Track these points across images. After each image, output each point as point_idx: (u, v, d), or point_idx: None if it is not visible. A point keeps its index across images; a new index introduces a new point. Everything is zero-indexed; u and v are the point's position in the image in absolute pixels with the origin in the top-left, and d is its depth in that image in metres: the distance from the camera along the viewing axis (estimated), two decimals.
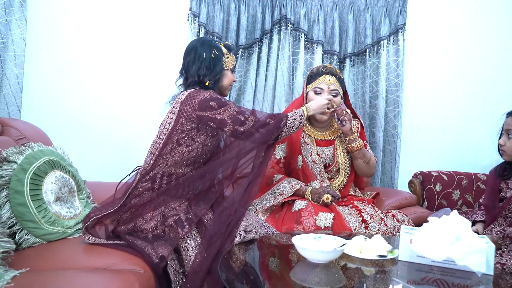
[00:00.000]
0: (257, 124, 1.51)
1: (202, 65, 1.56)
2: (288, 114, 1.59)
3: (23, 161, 1.48)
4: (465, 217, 1.82)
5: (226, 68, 1.62)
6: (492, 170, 1.88)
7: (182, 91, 1.58)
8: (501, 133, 1.80)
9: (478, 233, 1.65)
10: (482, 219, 1.77)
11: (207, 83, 1.57)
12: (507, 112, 1.79)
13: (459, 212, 1.51)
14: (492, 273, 1.15)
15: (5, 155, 1.49)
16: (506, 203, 1.66)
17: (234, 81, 1.69)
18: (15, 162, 1.47)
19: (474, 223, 1.78)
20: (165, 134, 1.52)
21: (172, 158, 1.53)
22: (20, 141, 1.69)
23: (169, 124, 1.52)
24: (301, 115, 1.61)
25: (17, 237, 1.37)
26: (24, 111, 2.34)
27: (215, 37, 2.49)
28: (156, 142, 1.55)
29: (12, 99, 2.27)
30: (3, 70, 2.24)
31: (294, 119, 1.58)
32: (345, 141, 1.97)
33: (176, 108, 1.52)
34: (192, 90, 1.53)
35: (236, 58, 1.71)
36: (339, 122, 1.88)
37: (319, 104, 1.72)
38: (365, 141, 2.03)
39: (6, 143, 1.59)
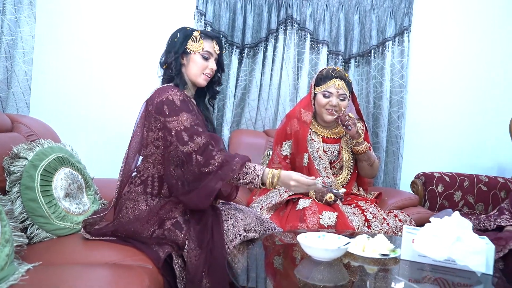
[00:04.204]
0: (199, 152, 1.36)
1: (166, 50, 1.56)
2: (246, 162, 1.39)
3: (34, 158, 1.51)
4: (485, 219, 1.82)
5: (192, 52, 1.53)
6: None
7: (157, 87, 1.53)
8: None
9: None
10: (510, 223, 1.73)
11: (165, 66, 1.54)
12: None
13: (460, 213, 1.53)
14: (491, 272, 1.17)
15: (16, 151, 1.51)
16: None
17: (212, 70, 1.57)
18: (26, 159, 1.50)
19: (500, 228, 1.75)
20: (138, 135, 1.48)
21: (155, 159, 1.50)
22: (29, 137, 1.71)
23: (139, 125, 1.49)
24: (257, 176, 1.39)
25: (28, 232, 1.40)
26: (33, 107, 2.38)
27: (221, 35, 2.52)
28: (132, 142, 1.49)
29: (20, 95, 2.30)
30: (12, 67, 2.28)
31: (246, 173, 1.39)
32: (352, 143, 2.01)
33: (144, 106, 1.49)
34: (158, 88, 1.49)
35: (220, 47, 1.60)
36: (344, 127, 1.91)
37: (289, 186, 1.45)
38: (369, 143, 2.07)
39: (16, 139, 1.62)
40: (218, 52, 1.60)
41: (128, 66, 2.55)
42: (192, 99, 1.61)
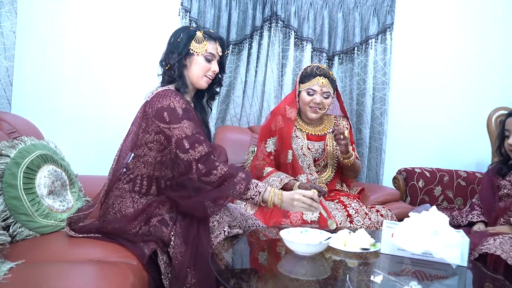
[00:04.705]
0: (201, 161, 1.34)
1: (168, 50, 1.52)
2: (250, 182, 1.38)
3: (16, 155, 1.50)
4: (458, 215, 1.87)
5: (195, 54, 1.50)
6: (488, 170, 1.91)
7: (156, 88, 1.52)
8: (503, 135, 1.79)
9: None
10: (480, 219, 1.78)
11: (167, 67, 1.50)
12: (508, 112, 1.79)
13: (439, 208, 1.57)
14: (466, 265, 1.22)
15: None
16: None
17: (214, 72, 1.55)
18: (8, 156, 1.49)
19: (471, 224, 1.80)
20: (133, 135, 1.47)
21: (147, 160, 1.49)
22: (11, 134, 1.69)
23: (135, 125, 1.48)
24: (259, 193, 1.39)
25: (11, 230, 1.39)
26: (15, 104, 2.34)
27: None
28: (126, 141, 1.50)
29: (2, 92, 2.27)
30: None
31: (248, 188, 1.37)
32: (340, 156, 2.00)
33: (142, 107, 1.48)
34: (160, 90, 1.46)
35: (222, 48, 1.57)
36: (336, 141, 1.90)
37: (290, 208, 1.44)
38: (353, 145, 2.12)
39: None
40: (220, 54, 1.57)
41: (112, 63, 2.53)
42: (191, 104, 1.60)
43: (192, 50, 1.50)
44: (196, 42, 1.50)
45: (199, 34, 1.51)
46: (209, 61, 1.53)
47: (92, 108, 2.51)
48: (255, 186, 1.39)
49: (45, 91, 2.45)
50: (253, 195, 1.39)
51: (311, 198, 1.41)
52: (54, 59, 2.45)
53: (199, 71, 1.52)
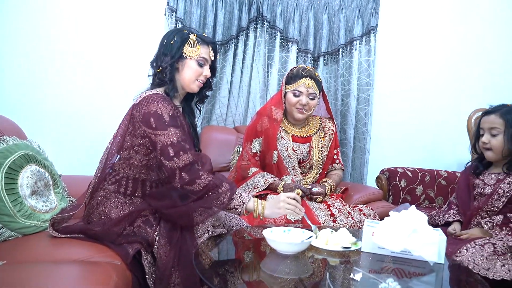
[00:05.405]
0: (185, 170, 1.34)
1: (160, 52, 1.50)
2: (234, 193, 1.39)
3: None
4: (436, 214, 1.90)
5: (188, 57, 1.49)
6: (465, 169, 1.92)
7: (145, 90, 1.51)
8: (478, 133, 1.79)
9: (456, 233, 1.71)
10: (456, 219, 1.80)
11: (159, 69, 1.48)
12: (483, 111, 1.78)
13: (421, 207, 1.59)
14: (443, 262, 1.26)
15: None
16: (487, 198, 1.70)
17: (206, 76, 1.54)
18: None
19: (447, 223, 1.82)
20: (120, 137, 1.47)
21: (133, 163, 1.49)
22: None
23: (122, 128, 1.47)
24: (243, 203, 1.40)
25: None
26: None
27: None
28: (113, 143, 1.48)
29: None
30: None
31: (232, 198, 1.38)
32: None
33: (130, 110, 1.47)
34: (148, 94, 1.43)
35: (215, 53, 1.56)
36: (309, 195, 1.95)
37: (275, 214, 1.47)
38: (338, 148, 2.17)
39: None
40: (213, 58, 1.57)
41: (97, 62, 2.51)
42: (180, 108, 1.59)
43: (185, 53, 1.49)
44: (189, 46, 1.49)
45: (192, 37, 1.50)
46: (201, 65, 1.52)
47: (76, 107, 2.49)
48: (239, 197, 1.40)
49: (28, 90, 2.42)
50: (237, 205, 1.40)
51: (294, 199, 1.43)
52: (37, 57, 2.43)
53: (191, 75, 1.51)
